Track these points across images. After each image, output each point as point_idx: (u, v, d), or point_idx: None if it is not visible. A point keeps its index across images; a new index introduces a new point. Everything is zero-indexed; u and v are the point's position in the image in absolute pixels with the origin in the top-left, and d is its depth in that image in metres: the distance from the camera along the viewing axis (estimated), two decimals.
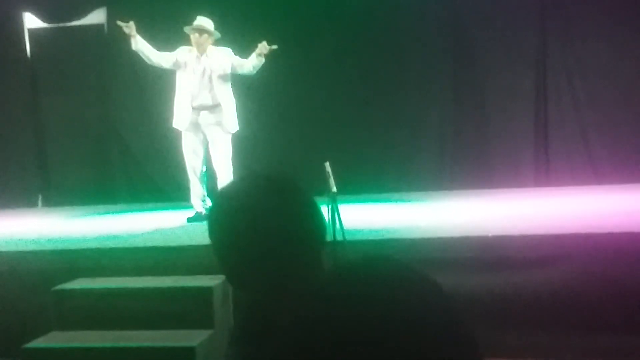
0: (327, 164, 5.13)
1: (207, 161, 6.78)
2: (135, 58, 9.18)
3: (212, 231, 1.43)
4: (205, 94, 6.61)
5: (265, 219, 1.36)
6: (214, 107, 6.62)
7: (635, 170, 7.87)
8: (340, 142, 8.45)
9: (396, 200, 7.80)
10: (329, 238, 4.62)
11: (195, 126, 6.67)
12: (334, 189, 5.06)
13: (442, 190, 8.29)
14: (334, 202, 4.98)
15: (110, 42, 9.23)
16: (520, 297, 4.82)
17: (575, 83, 8.43)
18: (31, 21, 9.56)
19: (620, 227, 5.15)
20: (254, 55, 6.56)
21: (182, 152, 6.79)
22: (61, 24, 9.45)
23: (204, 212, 6.78)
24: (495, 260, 4.99)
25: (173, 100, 6.76)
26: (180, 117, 6.67)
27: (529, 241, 5.07)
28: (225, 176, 6.68)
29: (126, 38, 6.69)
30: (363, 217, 6.43)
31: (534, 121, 8.57)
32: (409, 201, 7.73)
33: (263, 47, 6.49)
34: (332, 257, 4.51)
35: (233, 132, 6.71)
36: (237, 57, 6.67)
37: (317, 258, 1.40)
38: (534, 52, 8.54)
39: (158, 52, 6.71)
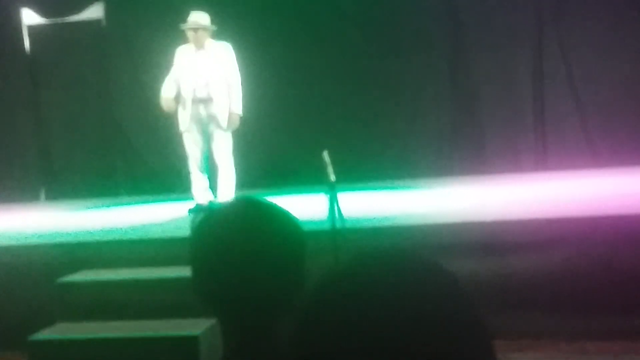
0: (325, 153, 5.16)
1: (209, 153, 6.80)
2: (133, 51, 9.26)
3: (195, 251, 1.42)
4: (202, 88, 6.62)
5: (247, 241, 1.36)
6: (208, 101, 6.64)
7: (633, 153, 7.89)
8: (338, 131, 8.48)
9: (395, 188, 7.83)
10: (328, 228, 4.67)
11: (197, 119, 6.68)
12: (333, 178, 5.10)
13: (440, 177, 8.31)
14: (332, 191, 5.02)
15: (108, 36, 9.29)
16: (518, 280, 4.87)
17: (571, 66, 8.44)
18: (29, 17, 9.60)
19: (618, 210, 5.20)
20: (229, 116, 6.60)
21: (184, 144, 6.83)
22: (59, 20, 9.49)
23: (205, 203, 6.82)
24: (493, 245, 5.03)
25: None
26: (183, 119, 6.68)
27: (527, 225, 5.12)
28: (226, 168, 6.72)
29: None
30: (362, 206, 6.47)
31: (531, 106, 8.59)
32: (408, 188, 7.76)
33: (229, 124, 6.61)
34: (332, 246, 4.57)
35: (226, 127, 6.70)
36: (234, 69, 6.65)
37: (299, 271, 1.42)
38: (530, 36, 8.56)
39: (170, 86, 6.66)
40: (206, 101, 6.63)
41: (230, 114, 6.61)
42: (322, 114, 8.70)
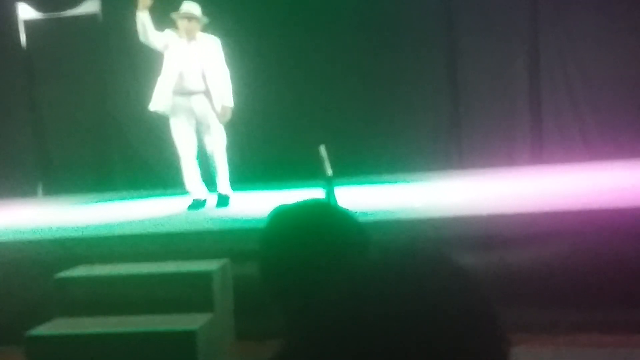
0: (322, 148, 5.18)
1: (203, 147, 6.77)
2: (130, 45, 9.23)
3: (265, 249, 1.50)
4: (196, 80, 6.57)
5: (315, 239, 1.45)
6: (205, 93, 6.60)
7: (628, 146, 7.92)
8: (335, 126, 8.49)
9: (392, 182, 7.85)
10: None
11: (187, 112, 6.61)
12: (330, 173, 5.12)
13: (436, 171, 8.33)
14: (329, 185, 5.04)
15: (105, 31, 9.28)
16: (514, 274, 4.89)
17: (567, 61, 8.47)
18: (25, 12, 9.59)
19: (614, 203, 5.22)
20: (222, 109, 6.56)
21: (172, 138, 6.73)
22: (55, 14, 9.49)
23: (202, 198, 6.81)
24: (489, 239, 5.05)
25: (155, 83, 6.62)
26: (159, 100, 6.55)
27: (523, 219, 5.13)
28: (221, 162, 6.70)
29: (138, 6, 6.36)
30: (359, 200, 6.48)
31: (527, 100, 8.62)
32: (405, 182, 7.78)
33: (222, 117, 6.56)
34: None
35: (219, 120, 6.67)
36: (222, 62, 6.61)
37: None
38: (526, 31, 8.58)
39: (155, 30, 6.53)
40: (197, 94, 6.58)
41: (222, 107, 6.59)
42: (319, 108, 8.72)
